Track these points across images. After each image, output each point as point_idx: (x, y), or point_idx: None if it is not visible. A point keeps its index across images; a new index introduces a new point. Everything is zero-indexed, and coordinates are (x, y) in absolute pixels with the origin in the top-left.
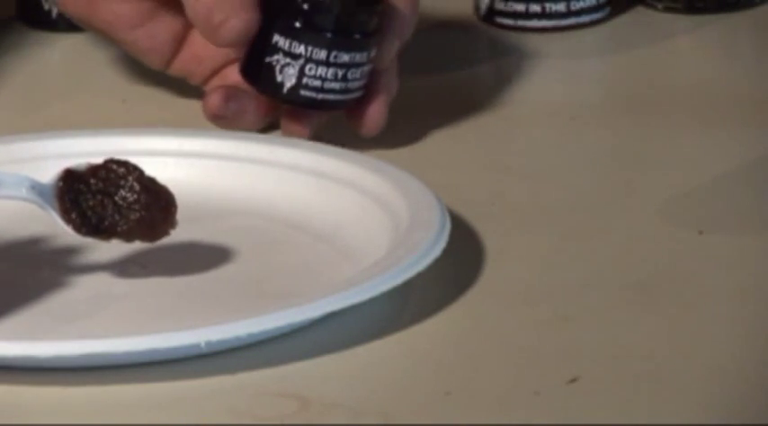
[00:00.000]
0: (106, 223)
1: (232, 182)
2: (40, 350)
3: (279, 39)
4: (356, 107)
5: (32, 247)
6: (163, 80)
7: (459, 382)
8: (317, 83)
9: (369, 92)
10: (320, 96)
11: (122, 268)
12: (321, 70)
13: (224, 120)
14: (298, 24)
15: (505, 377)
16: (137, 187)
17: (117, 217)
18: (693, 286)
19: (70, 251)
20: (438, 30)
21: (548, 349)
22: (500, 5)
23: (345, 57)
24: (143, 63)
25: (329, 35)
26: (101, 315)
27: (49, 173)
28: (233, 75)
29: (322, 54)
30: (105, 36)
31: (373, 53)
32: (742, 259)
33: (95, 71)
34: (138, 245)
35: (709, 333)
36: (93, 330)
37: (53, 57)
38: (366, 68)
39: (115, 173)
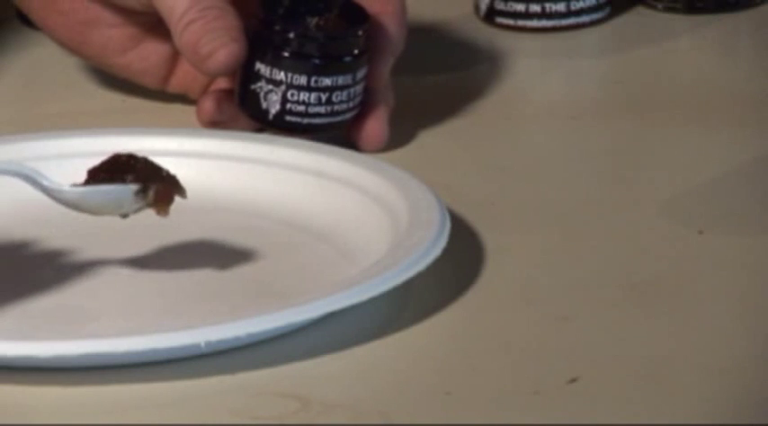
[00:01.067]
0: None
1: (232, 182)
2: (40, 350)
3: (260, 67)
4: (356, 124)
5: (32, 248)
6: None
7: (459, 382)
8: (301, 108)
9: (367, 108)
10: (306, 121)
11: (122, 268)
12: (303, 95)
13: (219, 126)
14: (286, 53)
15: (505, 377)
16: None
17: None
18: (693, 286)
19: (70, 251)
20: (438, 30)
21: (548, 349)
22: (500, 5)
23: (327, 81)
24: (141, 85)
25: (316, 61)
26: (101, 315)
27: (49, 173)
28: (228, 82)
29: (302, 79)
30: (98, 62)
31: (361, 73)
32: (742, 259)
33: (95, 71)
34: (136, 246)
35: (709, 333)
36: (93, 330)
37: (52, 57)
38: (355, 89)
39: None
